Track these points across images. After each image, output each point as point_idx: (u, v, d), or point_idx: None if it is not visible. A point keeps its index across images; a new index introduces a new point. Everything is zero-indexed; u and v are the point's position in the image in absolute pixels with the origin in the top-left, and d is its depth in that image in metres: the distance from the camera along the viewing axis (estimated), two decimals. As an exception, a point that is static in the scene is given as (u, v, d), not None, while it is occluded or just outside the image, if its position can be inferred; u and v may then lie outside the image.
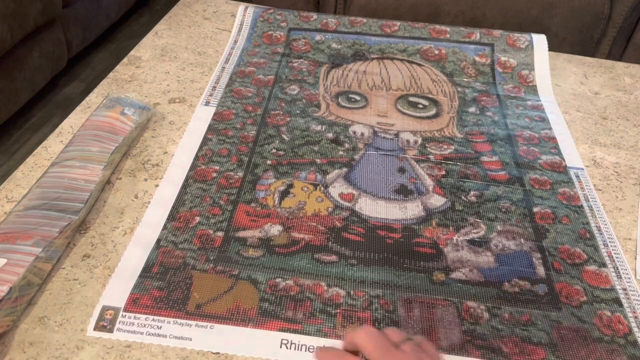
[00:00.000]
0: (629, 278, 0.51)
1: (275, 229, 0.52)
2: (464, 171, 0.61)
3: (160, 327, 0.43)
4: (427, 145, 0.65)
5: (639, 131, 0.70)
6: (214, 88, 0.71)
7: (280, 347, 0.43)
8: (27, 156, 0.58)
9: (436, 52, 0.79)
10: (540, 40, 0.80)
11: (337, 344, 0.43)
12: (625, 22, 1.13)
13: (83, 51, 1.66)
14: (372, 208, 0.56)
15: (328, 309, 0.46)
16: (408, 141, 0.65)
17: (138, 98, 0.64)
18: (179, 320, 0.44)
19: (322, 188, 0.57)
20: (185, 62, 0.76)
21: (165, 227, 0.52)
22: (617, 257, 0.53)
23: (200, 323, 0.44)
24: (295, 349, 0.43)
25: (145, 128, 0.63)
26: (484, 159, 0.63)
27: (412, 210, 0.56)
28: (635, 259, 0.53)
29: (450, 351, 0.43)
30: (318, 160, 0.61)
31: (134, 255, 0.48)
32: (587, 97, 0.76)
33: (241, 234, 0.52)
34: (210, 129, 0.64)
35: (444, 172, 0.61)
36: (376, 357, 0.34)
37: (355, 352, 0.36)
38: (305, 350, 0.43)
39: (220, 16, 0.88)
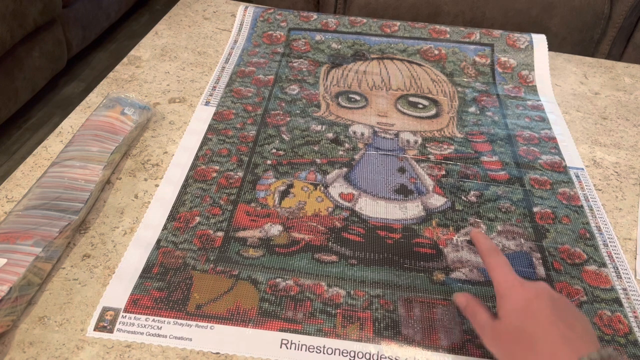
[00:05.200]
0: (629, 278, 0.51)
1: (275, 229, 0.52)
2: (464, 171, 0.61)
3: (161, 327, 0.43)
4: (427, 145, 0.65)
5: (639, 131, 0.70)
6: (214, 88, 0.71)
7: (281, 347, 0.43)
8: (27, 156, 0.58)
9: (436, 52, 0.79)
10: (540, 40, 0.80)
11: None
12: (625, 22, 1.13)
13: (83, 51, 1.66)
14: (372, 208, 0.56)
15: (328, 309, 0.46)
16: (408, 141, 0.65)
17: (138, 98, 0.64)
18: (179, 321, 0.44)
19: (322, 188, 0.57)
20: (185, 62, 0.76)
21: (165, 228, 0.52)
22: (617, 257, 0.53)
23: (201, 323, 0.44)
24: (295, 349, 0.43)
25: (145, 128, 0.63)
26: (484, 159, 0.63)
27: (412, 210, 0.56)
28: (635, 259, 0.53)
29: (451, 350, 0.43)
30: (318, 160, 0.61)
31: (134, 256, 0.48)
32: (587, 97, 0.76)
33: (241, 234, 0.52)
34: (210, 128, 0.64)
35: (444, 172, 0.61)
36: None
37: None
38: (306, 350, 0.43)
39: (220, 16, 0.88)
